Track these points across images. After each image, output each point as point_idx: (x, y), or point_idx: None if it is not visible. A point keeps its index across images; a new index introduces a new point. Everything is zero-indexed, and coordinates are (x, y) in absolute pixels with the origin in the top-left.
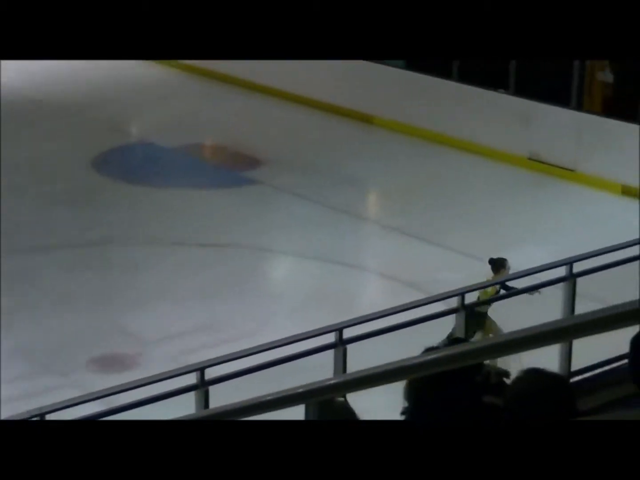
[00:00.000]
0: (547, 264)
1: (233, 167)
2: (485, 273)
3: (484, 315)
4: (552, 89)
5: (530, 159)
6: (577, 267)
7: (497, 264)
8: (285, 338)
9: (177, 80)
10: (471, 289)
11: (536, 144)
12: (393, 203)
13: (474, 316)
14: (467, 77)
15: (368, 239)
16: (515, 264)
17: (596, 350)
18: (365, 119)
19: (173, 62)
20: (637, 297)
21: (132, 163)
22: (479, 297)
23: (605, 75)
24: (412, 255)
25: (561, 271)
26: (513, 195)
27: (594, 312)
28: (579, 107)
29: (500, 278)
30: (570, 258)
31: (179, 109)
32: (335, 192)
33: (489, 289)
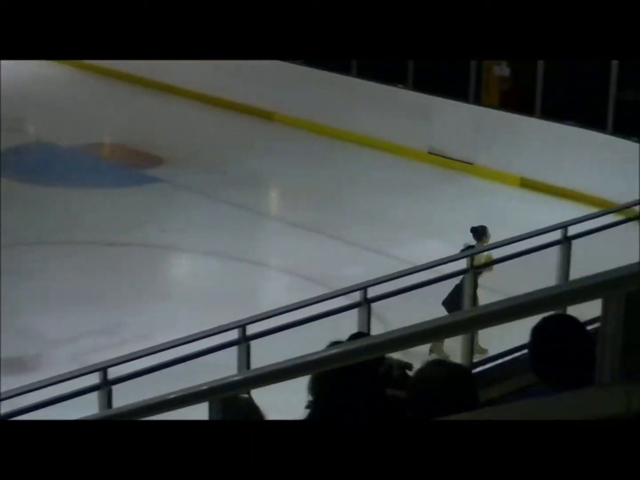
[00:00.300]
0: (449, 257)
1: (134, 166)
2: (387, 265)
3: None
4: (451, 83)
5: (430, 152)
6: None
7: (479, 232)
8: (189, 336)
9: (75, 78)
10: (372, 284)
11: (436, 138)
12: (295, 199)
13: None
14: (366, 72)
15: (271, 235)
16: (415, 258)
17: (499, 341)
18: (266, 116)
19: (71, 60)
20: (536, 289)
21: (30, 163)
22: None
23: (502, 70)
24: (315, 251)
25: (462, 264)
26: (413, 189)
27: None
28: (477, 101)
29: (484, 246)
30: (470, 251)
31: (77, 108)
32: (237, 190)
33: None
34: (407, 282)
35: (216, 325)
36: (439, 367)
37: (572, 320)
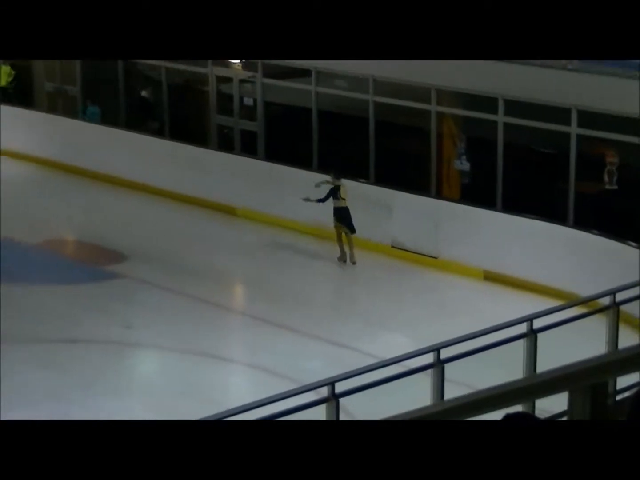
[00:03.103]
0: (413, 351)
1: (94, 262)
2: (351, 359)
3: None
4: (412, 177)
5: (393, 246)
6: (445, 354)
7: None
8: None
9: (34, 174)
10: (339, 379)
11: (398, 231)
12: (256, 293)
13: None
14: (326, 166)
15: (233, 329)
16: (380, 352)
17: None
18: (228, 210)
19: (29, 156)
20: (502, 382)
21: None
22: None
23: (462, 164)
24: (277, 344)
25: (428, 358)
26: (377, 282)
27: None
28: (439, 195)
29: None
30: (436, 344)
31: (37, 204)
32: (199, 284)
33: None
34: (374, 376)
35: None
36: None
37: None
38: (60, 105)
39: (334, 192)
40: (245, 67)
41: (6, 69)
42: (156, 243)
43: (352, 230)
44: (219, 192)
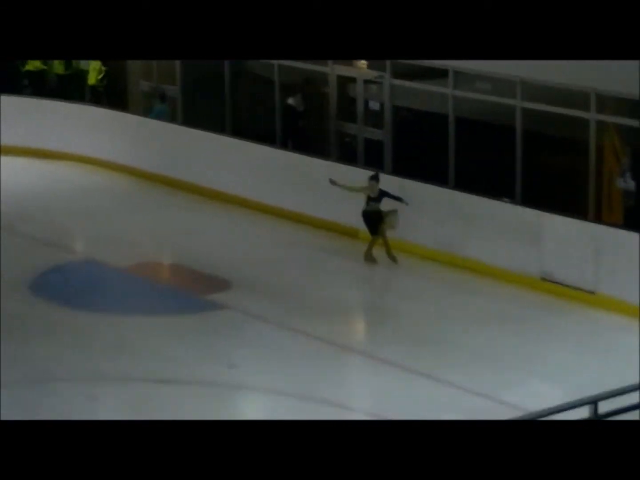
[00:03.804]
0: (565, 404)
1: (193, 290)
2: (491, 411)
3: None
4: (565, 197)
5: (542, 279)
6: (603, 407)
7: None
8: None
9: (126, 187)
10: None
11: (549, 262)
12: (380, 331)
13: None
14: (464, 182)
15: (353, 372)
16: (524, 403)
17: None
18: (349, 233)
19: (120, 166)
20: None
21: (75, 285)
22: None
23: (626, 183)
24: (406, 392)
25: (583, 412)
26: (522, 321)
27: None
28: (598, 219)
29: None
30: (593, 396)
31: (128, 222)
32: (314, 319)
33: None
34: None
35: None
36: None
37: None
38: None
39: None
40: (371, 66)
41: (96, 65)
42: (265, 269)
43: (374, 232)
44: (339, 212)
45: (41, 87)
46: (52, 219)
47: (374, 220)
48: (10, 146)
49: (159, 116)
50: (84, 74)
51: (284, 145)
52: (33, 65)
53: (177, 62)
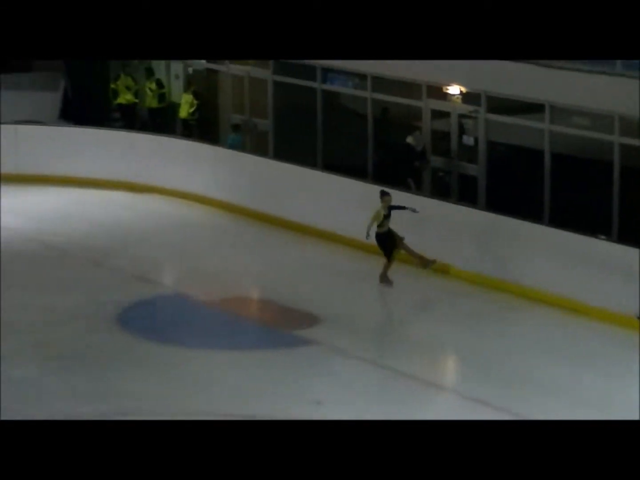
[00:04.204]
0: None
1: (280, 325)
2: None
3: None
4: None
5: (639, 318)
6: None
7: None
8: None
9: (216, 221)
10: None
11: None
12: (470, 369)
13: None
14: (560, 219)
15: (442, 411)
16: None
17: None
18: (442, 270)
19: (210, 199)
20: None
21: (162, 318)
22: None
23: None
24: None
25: None
26: (613, 362)
27: None
28: None
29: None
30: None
31: (217, 255)
32: (403, 356)
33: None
34: None
35: None
36: None
37: None
38: (248, 141)
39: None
40: (465, 100)
41: (188, 97)
42: (355, 305)
43: (388, 256)
44: (432, 247)
45: (132, 120)
46: (141, 252)
47: (389, 242)
48: (102, 179)
49: (233, 146)
50: (175, 107)
51: (405, 187)
52: (125, 98)
53: (270, 96)
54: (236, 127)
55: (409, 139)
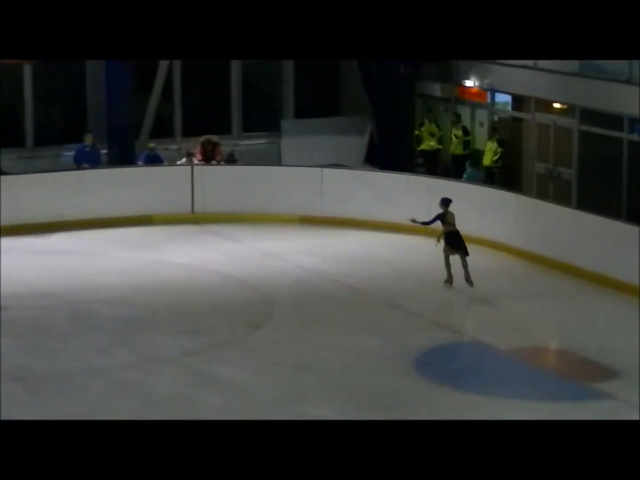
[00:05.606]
0: None
1: (576, 377)
2: None
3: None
4: None
5: None
6: None
7: (443, 202)
8: None
9: (517, 270)
10: None
11: None
12: None
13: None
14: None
15: None
16: None
17: None
18: None
19: (512, 248)
20: None
21: (456, 365)
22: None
23: None
24: None
25: None
26: None
27: None
28: None
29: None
30: None
31: (517, 305)
32: None
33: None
34: None
35: None
36: None
37: None
38: (550, 190)
39: (442, 217)
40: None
41: (492, 145)
42: None
43: (467, 252)
44: None
45: (435, 166)
46: (439, 297)
47: (459, 239)
48: (402, 224)
49: (470, 180)
50: (479, 154)
51: None
52: (428, 144)
53: (575, 145)
54: (473, 163)
55: None
